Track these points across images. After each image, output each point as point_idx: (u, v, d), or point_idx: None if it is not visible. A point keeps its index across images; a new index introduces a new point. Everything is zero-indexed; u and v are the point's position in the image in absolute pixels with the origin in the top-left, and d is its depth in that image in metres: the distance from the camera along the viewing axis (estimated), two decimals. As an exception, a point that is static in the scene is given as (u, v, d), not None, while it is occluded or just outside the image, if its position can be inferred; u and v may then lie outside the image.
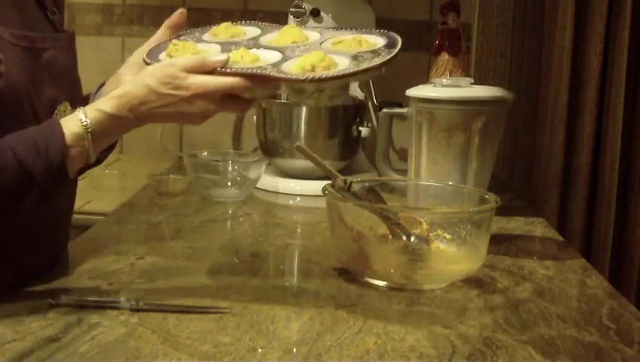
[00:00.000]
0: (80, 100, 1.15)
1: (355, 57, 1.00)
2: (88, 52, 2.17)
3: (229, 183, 1.61)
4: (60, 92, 1.09)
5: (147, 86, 0.99)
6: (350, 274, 1.15)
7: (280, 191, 1.71)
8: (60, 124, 0.96)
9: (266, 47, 1.06)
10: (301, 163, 1.69)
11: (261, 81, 0.99)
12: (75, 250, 1.23)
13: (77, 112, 0.98)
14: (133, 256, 1.21)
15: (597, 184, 1.65)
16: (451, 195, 1.29)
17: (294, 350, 0.91)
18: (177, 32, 1.14)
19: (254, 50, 1.05)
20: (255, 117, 1.80)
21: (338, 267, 1.18)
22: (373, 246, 1.13)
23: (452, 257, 1.16)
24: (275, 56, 1.03)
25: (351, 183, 1.15)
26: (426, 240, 1.14)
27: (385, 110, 1.49)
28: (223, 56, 1.00)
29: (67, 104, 1.10)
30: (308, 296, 1.09)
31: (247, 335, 0.93)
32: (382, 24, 2.02)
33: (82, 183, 1.31)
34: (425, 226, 1.16)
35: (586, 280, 1.22)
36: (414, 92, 1.38)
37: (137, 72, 1.08)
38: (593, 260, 1.57)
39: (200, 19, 2.18)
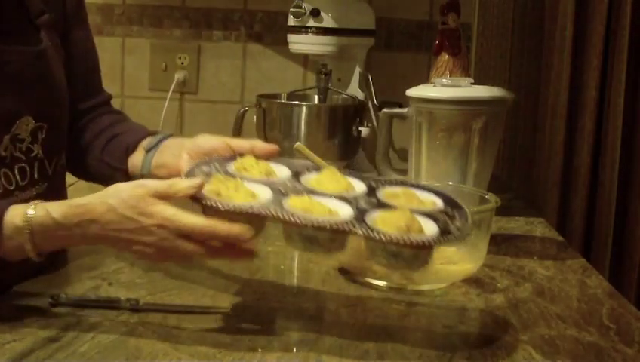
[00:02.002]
0: (53, 118, 1.12)
1: (434, 219, 0.93)
2: (88, 52, 2.17)
3: (229, 183, 1.61)
4: (23, 106, 1.07)
5: (108, 204, 0.89)
6: (350, 274, 1.15)
7: (280, 191, 1.71)
8: (4, 211, 0.91)
9: (320, 194, 0.95)
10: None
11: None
12: (75, 250, 1.23)
13: (31, 203, 0.92)
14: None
15: (597, 184, 1.65)
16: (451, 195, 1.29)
17: (294, 350, 0.91)
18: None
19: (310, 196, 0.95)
20: (255, 117, 1.80)
21: (338, 267, 1.18)
22: (373, 247, 1.13)
23: (452, 257, 1.15)
24: (343, 206, 0.93)
25: (351, 183, 1.15)
26: (426, 241, 1.14)
27: (385, 110, 1.48)
28: (196, 180, 0.90)
29: (30, 119, 1.08)
30: (308, 296, 1.09)
31: (247, 335, 0.93)
32: (382, 24, 2.03)
33: (81, 184, 1.31)
34: (425, 226, 1.16)
35: (586, 280, 1.22)
36: (414, 92, 1.38)
37: (191, 159, 1.03)
38: (593, 260, 1.57)
39: (200, 19, 2.18)
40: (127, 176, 1.17)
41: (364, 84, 1.88)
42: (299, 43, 1.82)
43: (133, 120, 1.31)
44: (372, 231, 0.87)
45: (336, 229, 0.87)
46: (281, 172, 1.02)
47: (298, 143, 1.20)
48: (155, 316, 0.97)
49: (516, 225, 1.52)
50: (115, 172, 1.19)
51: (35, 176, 1.11)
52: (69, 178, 1.25)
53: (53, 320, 0.93)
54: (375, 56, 2.08)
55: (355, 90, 1.89)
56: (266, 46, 2.18)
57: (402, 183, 1.03)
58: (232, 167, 1.01)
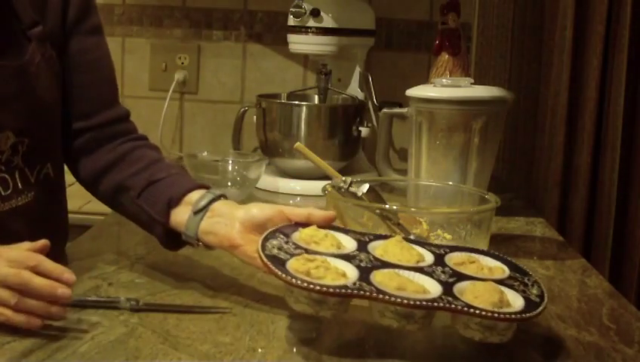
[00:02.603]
0: (36, 133, 1.10)
1: (511, 287, 0.93)
2: (88, 52, 2.16)
3: (229, 183, 1.61)
4: (2, 121, 1.05)
5: None
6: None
7: (280, 191, 1.71)
8: None
9: (401, 268, 0.94)
10: (301, 163, 1.69)
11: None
12: (75, 250, 1.23)
13: None
14: (133, 256, 1.21)
15: (597, 184, 1.65)
16: (451, 195, 1.29)
17: (294, 350, 0.91)
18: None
19: (388, 270, 0.93)
20: (255, 117, 1.81)
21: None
22: (373, 247, 1.12)
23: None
24: (425, 279, 0.93)
25: (351, 183, 1.15)
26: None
27: (385, 110, 1.49)
28: (42, 242, 0.93)
29: (10, 133, 1.06)
30: (308, 296, 1.09)
31: (247, 335, 0.93)
32: (382, 24, 2.03)
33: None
34: (425, 226, 1.15)
35: (586, 280, 1.22)
36: (414, 92, 1.38)
37: (245, 229, 1.03)
38: (593, 260, 1.57)
39: (200, 19, 2.18)
40: (166, 229, 1.11)
41: (364, 84, 1.88)
42: (299, 43, 1.82)
43: (134, 121, 1.29)
44: (472, 308, 0.86)
45: (437, 308, 0.87)
46: (347, 241, 1.01)
47: (298, 143, 1.20)
48: (155, 316, 0.97)
49: (516, 225, 1.52)
50: (154, 222, 1.11)
51: (19, 185, 1.10)
52: (69, 177, 1.25)
53: (53, 320, 0.93)
54: (375, 56, 2.08)
55: (355, 90, 1.89)
56: (266, 46, 2.18)
57: (461, 249, 1.03)
58: (296, 237, 0.99)
